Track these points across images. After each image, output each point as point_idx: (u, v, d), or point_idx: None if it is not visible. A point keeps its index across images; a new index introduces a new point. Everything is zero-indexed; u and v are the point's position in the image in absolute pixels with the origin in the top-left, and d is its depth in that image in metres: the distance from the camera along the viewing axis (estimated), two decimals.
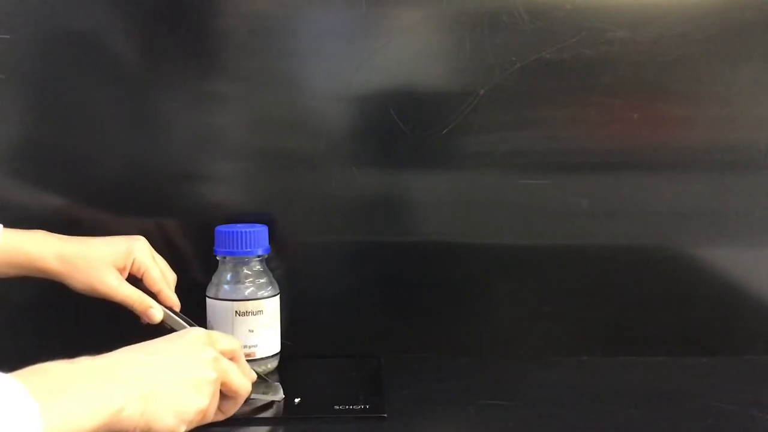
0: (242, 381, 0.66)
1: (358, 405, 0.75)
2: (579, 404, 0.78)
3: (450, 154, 0.89)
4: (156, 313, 0.76)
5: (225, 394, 0.66)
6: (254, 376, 0.71)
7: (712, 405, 0.77)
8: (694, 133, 0.90)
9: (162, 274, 0.79)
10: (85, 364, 0.54)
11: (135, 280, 0.78)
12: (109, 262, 0.76)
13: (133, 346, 0.60)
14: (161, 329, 0.77)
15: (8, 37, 0.85)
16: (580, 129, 0.89)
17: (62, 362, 0.53)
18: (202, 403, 0.60)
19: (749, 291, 0.91)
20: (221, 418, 0.67)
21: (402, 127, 0.88)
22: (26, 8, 0.85)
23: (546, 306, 0.91)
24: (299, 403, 0.76)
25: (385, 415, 0.73)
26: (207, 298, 0.84)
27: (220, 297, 0.83)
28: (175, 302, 0.79)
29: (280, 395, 0.76)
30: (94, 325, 0.83)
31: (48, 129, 0.88)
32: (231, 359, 0.67)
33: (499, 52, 0.87)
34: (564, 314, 0.91)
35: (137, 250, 0.78)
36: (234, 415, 0.72)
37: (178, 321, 0.78)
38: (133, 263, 0.77)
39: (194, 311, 0.81)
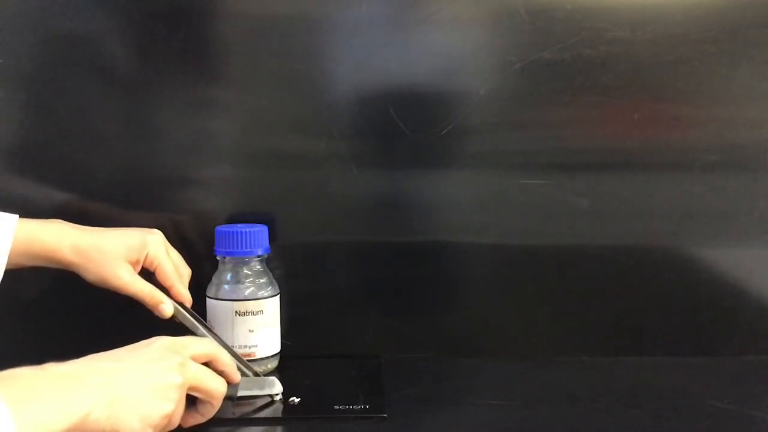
0: (215, 383, 0.66)
1: (358, 405, 0.75)
2: (579, 404, 0.78)
3: (450, 154, 0.89)
4: (166, 309, 0.77)
5: (201, 399, 0.66)
6: (238, 377, 0.70)
7: (712, 405, 0.77)
8: (694, 133, 0.90)
9: (175, 269, 0.79)
10: (53, 370, 0.55)
11: (149, 273, 0.78)
12: (122, 255, 0.76)
13: (99, 354, 0.61)
14: (172, 324, 0.77)
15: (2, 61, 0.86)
16: (580, 129, 0.89)
17: (31, 368, 0.54)
18: (167, 408, 0.60)
19: (749, 291, 0.91)
20: (201, 420, 0.67)
21: (402, 127, 0.88)
22: (25, 11, 0.85)
23: (546, 306, 0.91)
24: (299, 403, 0.76)
25: (385, 415, 0.73)
26: (207, 298, 0.84)
27: (220, 297, 0.83)
28: (187, 298, 0.79)
29: (277, 389, 0.76)
30: (105, 317, 0.84)
31: (48, 132, 0.88)
32: (208, 362, 0.67)
33: (499, 52, 0.87)
34: (564, 314, 0.91)
35: (151, 244, 0.78)
36: (234, 414, 0.73)
37: (187, 317, 0.78)
38: (146, 257, 0.77)
39: (194, 311, 0.80)
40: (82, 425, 0.54)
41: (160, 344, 0.64)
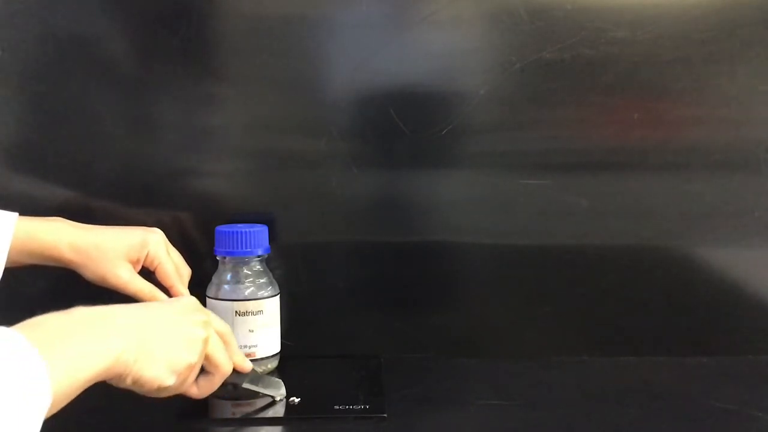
0: (224, 358, 0.67)
1: (358, 405, 0.75)
2: (579, 404, 0.78)
3: (450, 154, 0.89)
4: None
5: (205, 369, 0.66)
6: (249, 366, 0.72)
7: (712, 405, 0.77)
8: (694, 133, 0.90)
9: (176, 269, 0.79)
10: (80, 313, 0.55)
11: (149, 272, 0.78)
12: (122, 254, 0.75)
13: (127, 304, 0.61)
14: None
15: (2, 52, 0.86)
16: (580, 129, 0.89)
17: (59, 313, 0.54)
18: (192, 358, 0.61)
19: (749, 291, 0.91)
20: (195, 394, 0.66)
21: (402, 127, 0.88)
22: (26, 9, 0.85)
23: (546, 306, 0.91)
24: (299, 403, 0.76)
25: (385, 415, 0.73)
26: (207, 298, 0.84)
27: (220, 297, 0.83)
28: None
29: (281, 392, 0.76)
30: None
31: (50, 130, 0.88)
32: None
33: (499, 52, 0.87)
34: (564, 314, 0.91)
35: (152, 243, 0.77)
36: (234, 414, 0.73)
37: None
38: (146, 256, 0.77)
39: None
40: (112, 366, 0.53)
41: (187, 301, 0.66)
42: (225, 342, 0.68)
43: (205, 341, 0.63)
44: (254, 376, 0.74)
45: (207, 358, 0.65)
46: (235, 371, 0.70)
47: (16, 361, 0.46)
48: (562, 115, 0.89)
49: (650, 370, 0.88)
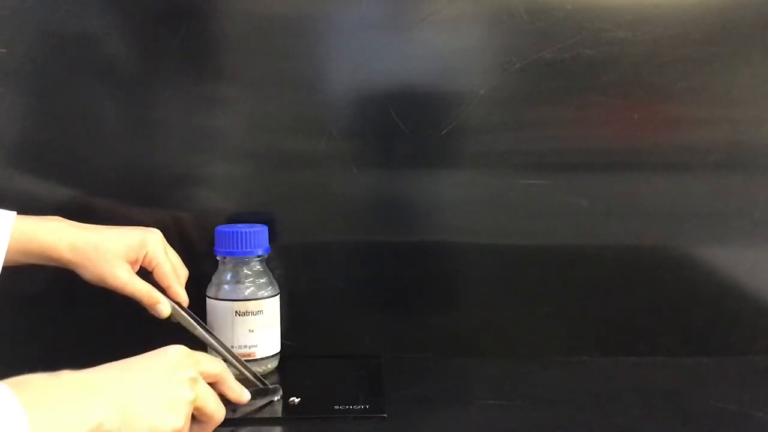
0: (217, 408, 0.64)
1: (358, 405, 0.75)
2: (579, 404, 0.78)
3: (450, 154, 0.89)
4: (164, 309, 0.76)
5: (198, 419, 0.64)
6: (247, 397, 0.70)
7: (712, 405, 0.77)
8: (694, 133, 0.90)
9: (173, 269, 0.79)
10: (67, 378, 0.54)
11: (146, 272, 0.78)
12: (121, 255, 0.75)
13: (113, 363, 0.60)
14: (169, 324, 0.77)
15: (5, 50, 0.86)
16: (580, 129, 0.89)
17: (46, 375, 0.53)
18: (177, 423, 0.59)
19: (749, 291, 0.91)
20: None
21: (402, 127, 0.88)
22: (26, 10, 0.85)
23: (546, 306, 0.91)
24: (299, 403, 0.76)
25: (385, 415, 0.73)
26: (207, 298, 0.84)
27: (220, 297, 0.83)
28: (184, 299, 0.79)
29: (279, 393, 0.76)
30: (104, 315, 0.84)
31: (51, 129, 0.88)
32: (214, 382, 0.66)
33: (499, 52, 0.87)
34: (564, 314, 0.91)
35: (150, 243, 0.77)
36: (234, 414, 0.73)
37: (185, 317, 0.78)
38: (144, 256, 0.77)
39: (194, 311, 0.80)
40: None
41: (174, 355, 0.63)
42: (219, 381, 0.66)
43: (192, 401, 0.61)
44: (256, 392, 0.73)
45: (198, 410, 0.62)
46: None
47: (3, 424, 0.46)
48: (562, 115, 0.89)
49: (650, 370, 0.88)
